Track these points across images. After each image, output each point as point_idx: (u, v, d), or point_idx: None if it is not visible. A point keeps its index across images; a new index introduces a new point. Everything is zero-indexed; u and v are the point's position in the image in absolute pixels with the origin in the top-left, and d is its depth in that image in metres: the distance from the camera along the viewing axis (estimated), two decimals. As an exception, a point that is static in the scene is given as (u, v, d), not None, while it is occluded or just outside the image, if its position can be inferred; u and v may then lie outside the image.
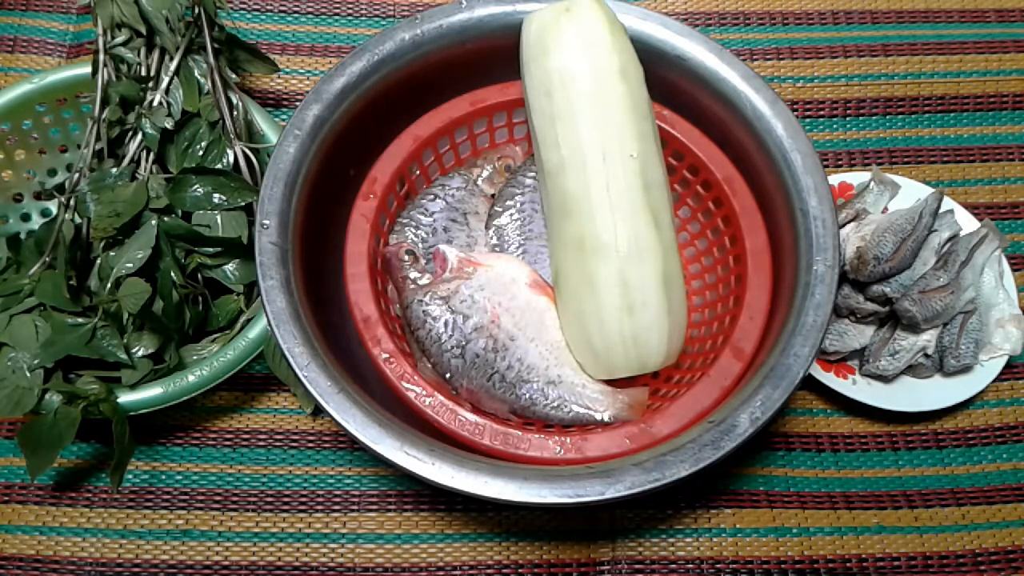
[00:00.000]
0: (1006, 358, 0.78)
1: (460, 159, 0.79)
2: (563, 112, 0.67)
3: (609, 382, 0.69)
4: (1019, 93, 0.92)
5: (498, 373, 0.68)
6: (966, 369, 0.78)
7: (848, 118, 0.91)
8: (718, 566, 0.73)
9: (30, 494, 0.75)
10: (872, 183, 0.83)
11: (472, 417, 0.63)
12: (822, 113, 0.91)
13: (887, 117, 0.91)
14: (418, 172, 0.76)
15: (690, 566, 0.73)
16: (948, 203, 0.82)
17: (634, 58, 0.69)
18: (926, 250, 0.80)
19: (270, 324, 0.62)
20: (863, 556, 0.74)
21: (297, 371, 0.60)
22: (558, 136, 0.67)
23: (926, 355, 0.78)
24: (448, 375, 0.68)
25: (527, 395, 0.67)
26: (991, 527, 0.75)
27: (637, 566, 0.73)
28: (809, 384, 0.79)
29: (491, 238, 0.75)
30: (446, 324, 0.68)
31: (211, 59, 0.77)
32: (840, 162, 0.89)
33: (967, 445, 0.79)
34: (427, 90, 0.75)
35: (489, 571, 0.73)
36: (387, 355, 0.64)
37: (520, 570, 0.73)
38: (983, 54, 0.93)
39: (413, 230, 0.74)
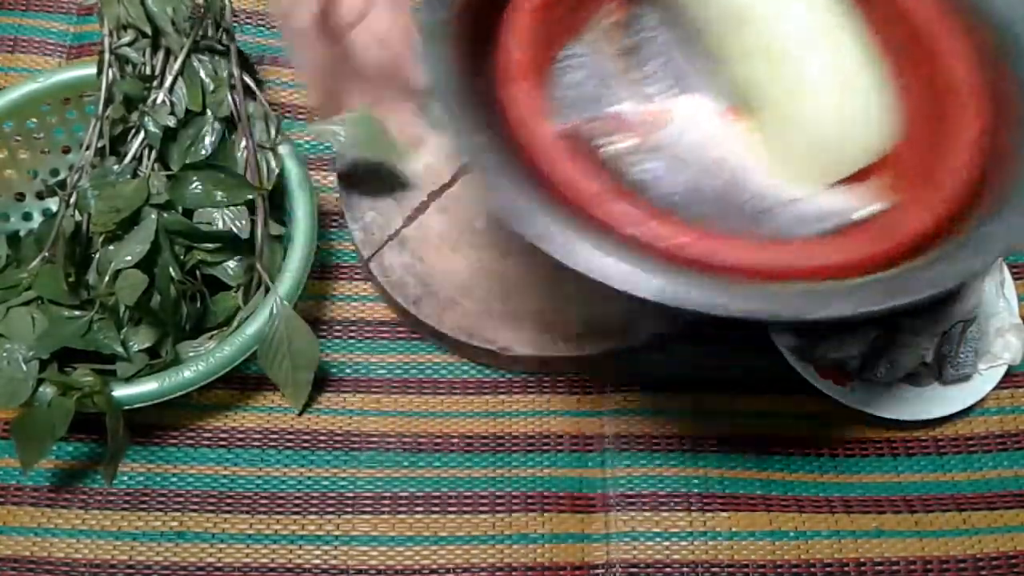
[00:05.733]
0: (1005, 367, 0.78)
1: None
2: None
3: (839, 187, 0.64)
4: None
5: (734, 208, 0.63)
6: (965, 378, 0.77)
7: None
8: (713, 570, 0.72)
9: (25, 495, 0.75)
10: (872, 190, 0.83)
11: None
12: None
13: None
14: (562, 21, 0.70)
15: (685, 569, 0.72)
16: (949, 211, 0.82)
17: None
18: (926, 258, 0.80)
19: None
20: (861, 560, 0.73)
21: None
22: None
23: (925, 363, 0.77)
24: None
25: (770, 223, 0.62)
26: (992, 532, 0.75)
27: (632, 569, 0.72)
28: (807, 389, 0.78)
29: (645, 90, 0.70)
30: (665, 181, 0.63)
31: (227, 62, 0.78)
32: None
33: (968, 452, 0.78)
34: None
35: (482, 574, 0.72)
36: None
37: (513, 573, 0.73)
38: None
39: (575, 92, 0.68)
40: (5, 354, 0.68)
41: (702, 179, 0.64)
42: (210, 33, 0.79)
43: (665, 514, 0.75)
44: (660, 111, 0.67)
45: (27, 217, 0.84)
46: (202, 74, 0.78)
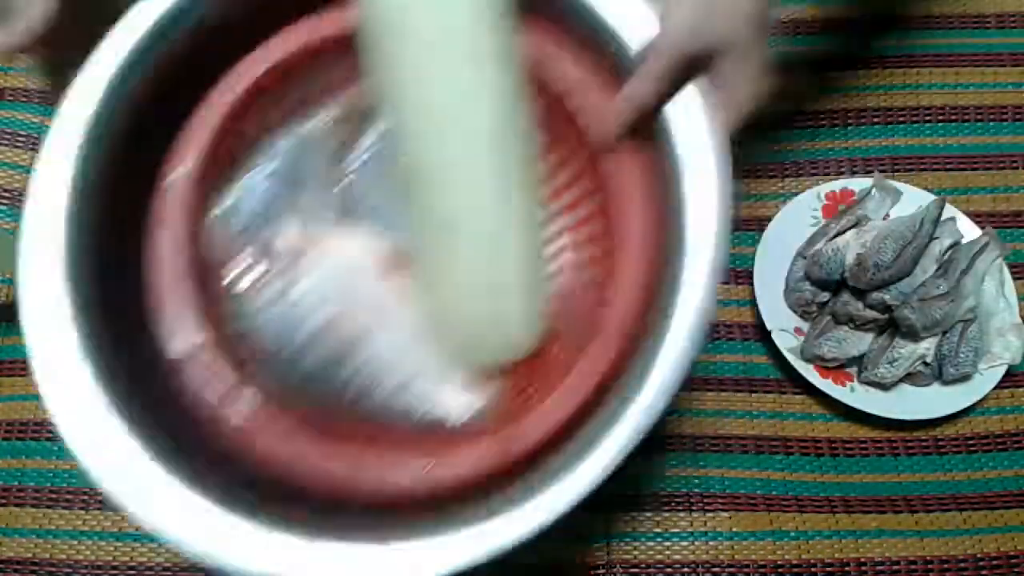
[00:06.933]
0: (1005, 367, 0.78)
1: (300, 105, 0.62)
2: (402, 64, 0.54)
3: (477, 372, 0.58)
4: (1018, 105, 0.92)
5: (347, 378, 0.57)
6: (965, 378, 0.77)
7: (849, 127, 0.90)
8: (714, 570, 0.72)
9: (27, 496, 0.75)
10: (874, 189, 0.84)
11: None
12: (822, 123, 0.91)
13: (888, 126, 0.91)
14: (245, 130, 0.60)
15: (686, 570, 0.73)
16: (950, 211, 0.82)
17: None
18: (927, 258, 0.79)
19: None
20: (862, 560, 0.73)
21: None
22: (400, 94, 0.55)
23: (925, 363, 0.78)
24: (286, 390, 0.55)
25: (381, 398, 0.57)
26: (993, 531, 0.75)
27: (632, 570, 0.73)
28: (808, 389, 0.79)
29: (339, 204, 0.62)
30: (280, 329, 0.57)
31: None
32: (842, 169, 0.88)
33: (968, 451, 0.78)
34: (250, 27, 0.59)
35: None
36: (201, 374, 0.53)
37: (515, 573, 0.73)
38: (979, 67, 0.94)
39: (239, 210, 0.59)
40: None
41: (316, 341, 0.57)
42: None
43: (666, 514, 0.75)
44: (315, 243, 0.60)
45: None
46: None
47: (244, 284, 0.58)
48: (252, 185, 0.60)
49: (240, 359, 0.55)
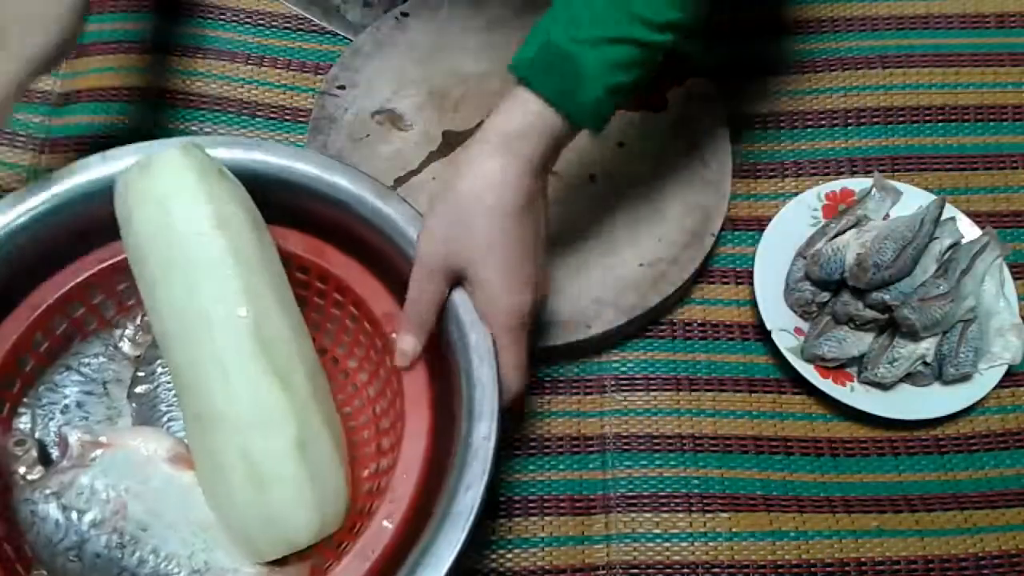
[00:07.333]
0: (1005, 367, 0.78)
1: (104, 320, 0.71)
2: (158, 279, 0.62)
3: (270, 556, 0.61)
4: (1018, 105, 0.92)
5: (127, 572, 0.59)
6: (965, 378, 0.77)
7: (849, 127, 0.91)
8: (714, 570, 0.72)
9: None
10: (874, 189, 0.83)
11: None
12: (822, 123, 0.91)
13: (888, 126, 0.91)
14: (47, 344, 0.68)
15: (685, 570, 0.72)
16: (950, 211, 0.82)
17: (238, 205, 0.64)
18: (927, 257, 0.79)
19: None
20: (862, 560, 0.72)
21: None
22: (157, 306, 0.63)
23: (925, 363, 0.77)
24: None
25: None
26: (994, 530, 0.74)
27: (632, 571, 0.72)
28: (808, 389, 0.78)
29: (135, 408, 0.68)
30: (57, 524, 0.60)
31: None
32: (842, 169, 0.88)
33: (969, 451, 0.78)
34: (49, 253, 0.68)
35: (484, 577, 0.72)
36: None
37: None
38: (979, 67, 0.94)
39: (39, 413, 0.66)
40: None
41: (95, 535, 0.60)
42: None
43: (665, 515, 0.74)
44: (103, 443, 0.63)
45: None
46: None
47: (32, 476, 0.63)
48: (55, 388, 0.67)
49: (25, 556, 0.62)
